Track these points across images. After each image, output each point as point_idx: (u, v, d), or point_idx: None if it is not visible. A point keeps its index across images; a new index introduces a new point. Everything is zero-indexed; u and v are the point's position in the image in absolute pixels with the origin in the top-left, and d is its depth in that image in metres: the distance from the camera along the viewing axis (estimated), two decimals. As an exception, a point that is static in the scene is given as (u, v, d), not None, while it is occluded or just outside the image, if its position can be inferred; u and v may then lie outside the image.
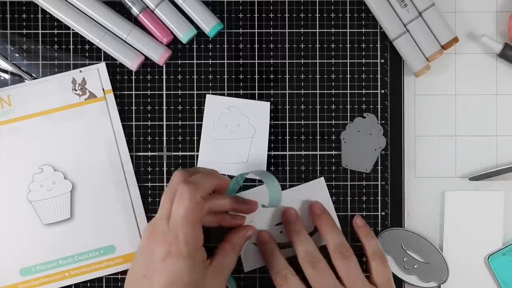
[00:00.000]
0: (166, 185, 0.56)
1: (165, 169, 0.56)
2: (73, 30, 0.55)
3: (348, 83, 0.56)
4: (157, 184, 0.56)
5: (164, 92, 0.56)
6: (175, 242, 0.44)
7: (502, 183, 0.56)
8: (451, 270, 0.55)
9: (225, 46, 0.56)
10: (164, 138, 0.56)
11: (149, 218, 0.55)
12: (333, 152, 0.56)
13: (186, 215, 0.45)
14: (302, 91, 0.56)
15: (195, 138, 0.56)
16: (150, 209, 0.56)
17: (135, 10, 0.54)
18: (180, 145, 0.56)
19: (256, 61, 0.56)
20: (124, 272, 0.55)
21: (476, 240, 0.56)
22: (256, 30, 0.56)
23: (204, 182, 0.47)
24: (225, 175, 0.55)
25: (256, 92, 0.56)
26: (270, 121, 0.56)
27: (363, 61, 0.56)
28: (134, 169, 0.55)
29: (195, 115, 0.56)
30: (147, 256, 0.46)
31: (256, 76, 0.56)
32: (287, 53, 0.56)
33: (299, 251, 0.51)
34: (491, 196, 0.56)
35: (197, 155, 0.56)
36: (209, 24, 0.54)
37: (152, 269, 0.45)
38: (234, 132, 0.55)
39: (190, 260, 0.45)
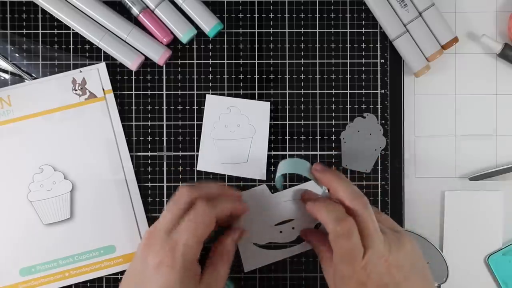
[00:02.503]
0: (167, 185, 0.56)
1: (165, 169, 0.56)
2: (73, 30, 0.55)
3: (348, 83, 0.56)
4: (157, 184, 0.56)
5: (164, 92, 0.56)
6: (171, 252, 0.44)
7: (502, 183, 0.56)
8: (451, 270, 0.55)
9: (225, 46, 0.56)
10: (164, 138, 0.56)
11: (149, 218, 0.55)
12: (333, 152, 0.56)
13: (196, 230, 0.45)
14: (302, 91, 0.56)
15: (195, 138, 0.56)
16: (150, 209, 0.56)
17: (135, 10, 0.54)
18: (180, 145, 0.56)
19: (256, 61, 0.56)
20: (124, 272, 0.55)
21: (476, 240, 0.56)
22: (256, 30, 0.56)
23: (224, 206, 0.47)
24: (225, 175, 0.55)
25: (256, 92, 0.56)
26: (270, 121, 0.56)
27: (363, 61, 0.56)
28: (134, 169, 0.55)
29: (195, 115, 0.56)
30: (141, 264, 0.45)
31: (256, 76, 0.56)
32: (287, 53, 0.56)
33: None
34: (491, 196, 0.56)
35: (197, 155, 0.56)
36: (209, 24, 0.54)
37: (145, 277, 0.45)
38: (234, 132, 0.55)
39: (183, 273, 0.44)
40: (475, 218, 0.56)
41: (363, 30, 0.56)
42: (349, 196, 0.47)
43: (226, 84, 0.56)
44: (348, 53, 0.56)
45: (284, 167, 0.51)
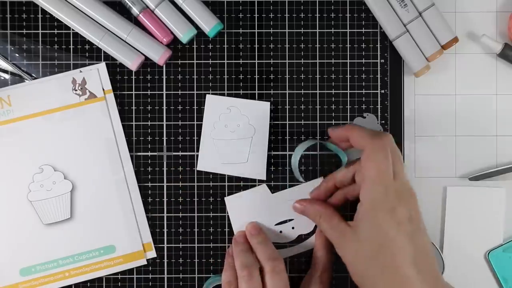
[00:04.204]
0: (167, 185, 0.56)
1: (165, 169, 0.56)
2: (73, 30, 0.55)
3: (348, 83, 0.56)
4: (157, 184, 0.56)
5: (164, 92, 0.56)
6: None
7: (502, 183, 0.56)
8: (451, 266, 0.55)
9: (225, 46, 0.56)
10: (164, 138, 0.56)
11: (149, 218, 0.55)
12: (333, 152, 0.56)
13: None
14: (302, 91, 0.56)
15: (195, 138, 0.56)
16: (150, 209, 0.56)
17: (135, 10, 0.54)
18: (180, 145, 0.56)
19: (256, 61, 0.56)
20: (124, 272, 0.55)
21: (477, 236, 0.56)
22: (256, 30, 0.56)
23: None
24: (225, 175, 0.55)
25: (256, 92, 0.56)
26: (270, 121, 0.56)
27: (363, 61, 0.56)
28: (134, 169, 0.55)
29: (195, 115, 0.56)
30: None
31: (256, 76, 0.56)
32: (287, 53, 0.56)
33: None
34: (492, 192, 0.56)
35: (197, 155, 0.56)
36: (209, 24, 0.54)
37: None
38: (234, 132, 0.55)
39: None
40: (476, 214, 0.56)
41: (363, 30, 0.56)
42: (374, 132, 0.49)
43: (226, 84, 0.56)
44: (348, 53, 0.56)
45: (303, 147, 0.53)
